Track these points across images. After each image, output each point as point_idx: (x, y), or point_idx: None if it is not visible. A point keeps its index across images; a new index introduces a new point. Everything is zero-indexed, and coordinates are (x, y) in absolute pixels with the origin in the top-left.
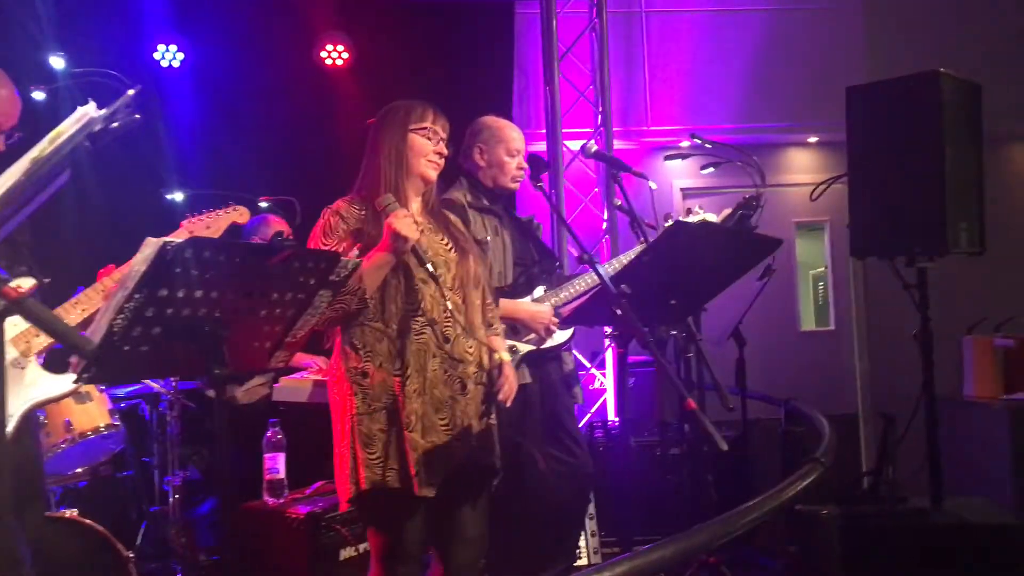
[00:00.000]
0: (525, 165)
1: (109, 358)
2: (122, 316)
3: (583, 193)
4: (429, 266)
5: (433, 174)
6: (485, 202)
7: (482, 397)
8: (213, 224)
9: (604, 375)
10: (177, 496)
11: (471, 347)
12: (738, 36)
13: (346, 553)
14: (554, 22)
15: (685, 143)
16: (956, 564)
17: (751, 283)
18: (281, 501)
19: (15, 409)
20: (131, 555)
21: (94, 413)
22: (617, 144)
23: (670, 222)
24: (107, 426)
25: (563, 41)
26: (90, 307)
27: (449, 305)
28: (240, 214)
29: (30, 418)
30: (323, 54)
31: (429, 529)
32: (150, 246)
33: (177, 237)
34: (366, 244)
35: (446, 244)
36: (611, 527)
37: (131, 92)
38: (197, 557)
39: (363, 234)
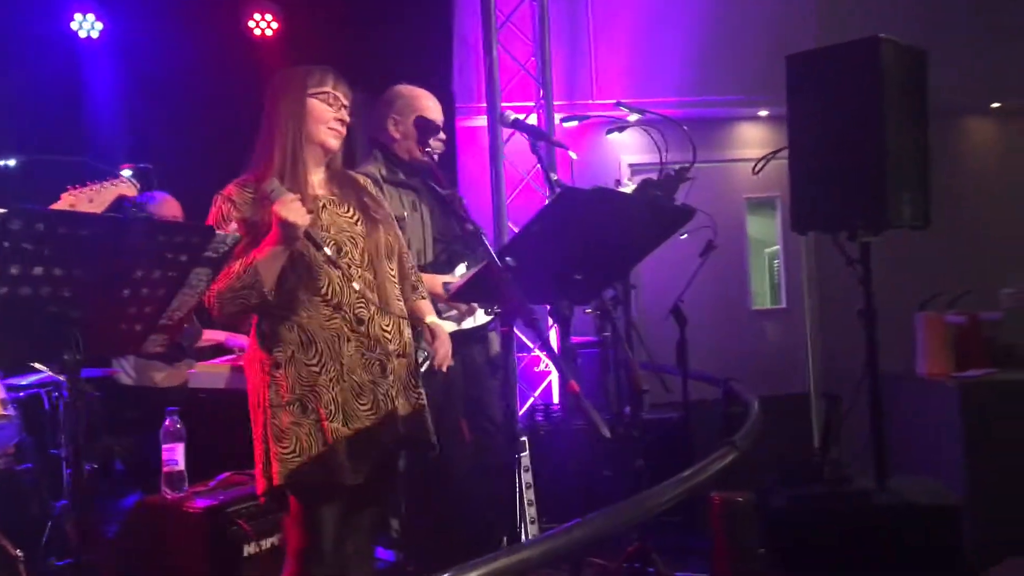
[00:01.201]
0: (443, 136)
1: None
2: None
3: (524, 170)
4: (327, 250)
5: (334, 143)
6: (401, 176)
7: (406, 373)
8: (97, 197)
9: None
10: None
11: (388, 324)
12: (687, 5)
13: (249, 549)
14: None
15: (632, 116)
16: (892, 545)
17: (693, 260)
18: (181, 495)
19: None
20: (20, 554)
21: None
22: (559, 118)
23: None
24: None
25: (502, 9)
26: None
27: (356, 286)
28: (129, 187)
29: None
30: (251, 24)
31: (349, 519)
32: None
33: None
34: (258, 233)
35: (352, 216)
36: (552, 513)
37: None
38: (95, 555)
39: (254, 223)
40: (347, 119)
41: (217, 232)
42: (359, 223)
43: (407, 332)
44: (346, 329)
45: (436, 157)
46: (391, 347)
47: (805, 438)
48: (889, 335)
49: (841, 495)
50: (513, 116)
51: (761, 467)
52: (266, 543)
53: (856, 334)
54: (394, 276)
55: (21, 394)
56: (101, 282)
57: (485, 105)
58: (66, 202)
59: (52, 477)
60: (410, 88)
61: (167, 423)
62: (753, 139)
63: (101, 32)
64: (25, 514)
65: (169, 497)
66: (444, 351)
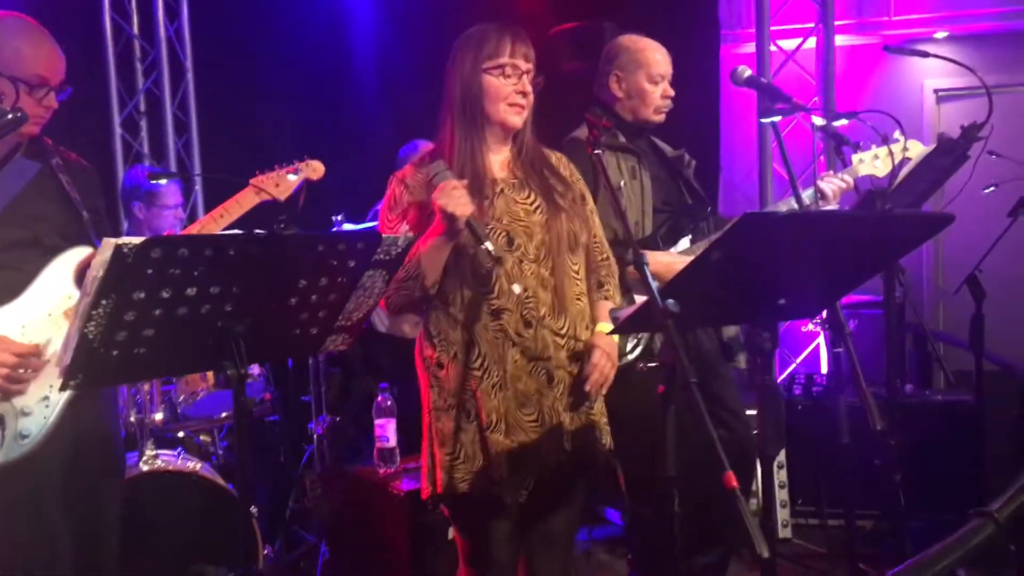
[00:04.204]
0: (671, 92)
1: (96, 364)
2: (93, 323)
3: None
4: (489, 244)
5: (516, 119)
6: (622, 139)
7: (577, 383)
8: (283, 182)
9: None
10: (321, 444)
11: (562, 327)
12: None
13: (452, 533)
14: None
15: (940, 33)
16: None
17: (1001, 220)
18: (392, 470)
19: None
20: (254, 511)
21: None
22: (843, 40)
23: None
24: None
25: None
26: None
27: (516, 289)
28: (313, 169)
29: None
30: None
31: (520, 532)
32: (106, 248)
33: (244, 197)
34: (430, 219)
35: (531, 203)
36: (807, 497)
37: None
38: (325, 515)
39: (427, 207)
40: (528, 89)
41: (384, 236)
42: (539, 211)
43: (584, 337)
44: (512, 332)
45: (664, 115)
46: (562, 354)
47: None
48: None
49: None
50: (748, 73)
51: None
52: None
53: None
54: (576, 272)
55: None
56: (264, 295)
57: (754, 31)
58: (252, 189)
59: (301, 423)
60: (635, 39)
61: (379, 399)
62: None
63: None
64: (274, 463)
65: (381, 472)
66: (599, 374)
